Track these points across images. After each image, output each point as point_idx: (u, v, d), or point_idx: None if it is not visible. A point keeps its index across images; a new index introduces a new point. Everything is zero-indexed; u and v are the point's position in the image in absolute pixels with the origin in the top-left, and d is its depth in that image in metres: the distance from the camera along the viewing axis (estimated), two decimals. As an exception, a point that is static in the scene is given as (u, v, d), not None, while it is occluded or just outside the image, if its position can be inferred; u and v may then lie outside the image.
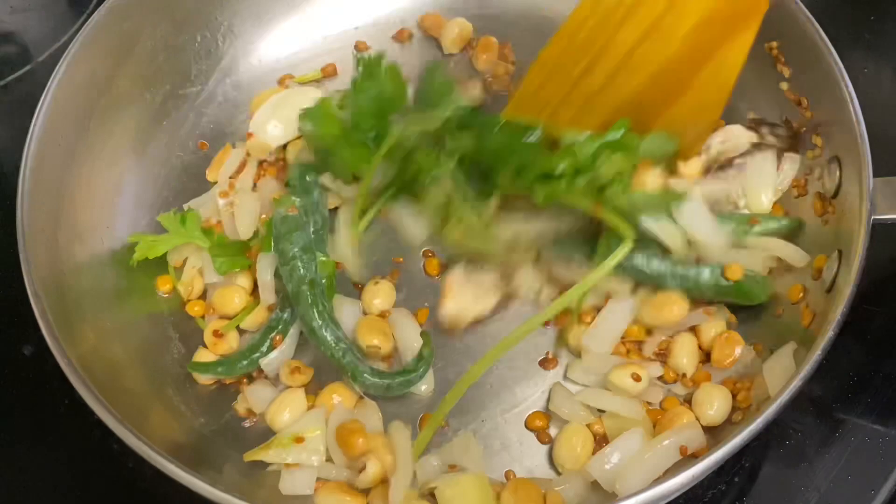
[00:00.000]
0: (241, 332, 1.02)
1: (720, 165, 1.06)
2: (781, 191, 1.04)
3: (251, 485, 0.90)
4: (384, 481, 0.87)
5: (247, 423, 0.96)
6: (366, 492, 0.88)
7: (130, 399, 0.92)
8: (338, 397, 0.95)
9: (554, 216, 0.98)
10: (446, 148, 0.98)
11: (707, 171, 1.07)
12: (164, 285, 1.05)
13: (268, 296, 1.00)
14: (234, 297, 1.02)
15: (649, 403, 0.93)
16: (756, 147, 1.05)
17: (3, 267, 1.10)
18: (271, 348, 0.97)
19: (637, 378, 0.93)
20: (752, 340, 0.96)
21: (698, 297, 0.97)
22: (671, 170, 1.01)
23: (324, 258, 1.00)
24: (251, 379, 0.99)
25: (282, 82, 1.21)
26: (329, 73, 1.22)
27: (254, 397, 0.96)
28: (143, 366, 0.98)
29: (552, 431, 0.94)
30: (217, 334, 0.99)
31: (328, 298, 0.98)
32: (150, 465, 0.80)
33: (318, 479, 0.90)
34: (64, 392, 0.90)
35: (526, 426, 0.95)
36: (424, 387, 0.97)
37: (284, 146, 1.14)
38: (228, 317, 1.02)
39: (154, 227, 1.08)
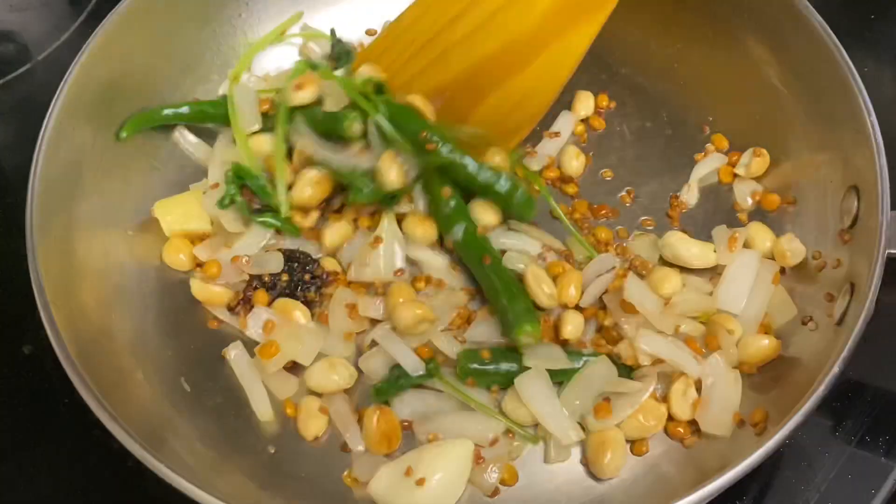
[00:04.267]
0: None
1: None
2: None
3: (251, 488, 0.90)
4: None
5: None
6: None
7: (130, 398, 0.92)
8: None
9: None
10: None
11: None
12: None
13: None
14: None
15: None
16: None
17: (4, 266, 1.10)
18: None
19: None
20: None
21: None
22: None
23: None
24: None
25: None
26: None
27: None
28: (144, 365, 0.98)
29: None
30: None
31: None
32: (150, 464, 0.80)
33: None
34: (64, 392, 0.90)
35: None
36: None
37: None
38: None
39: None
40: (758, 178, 1.09)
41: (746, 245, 1.03)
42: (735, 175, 1.10)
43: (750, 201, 1.08)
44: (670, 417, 0.94)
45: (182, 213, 1.06)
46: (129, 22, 1.07)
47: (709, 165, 1.10)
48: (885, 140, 0.93)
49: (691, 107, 1.16)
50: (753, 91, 1.12)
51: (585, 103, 1.16)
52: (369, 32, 1.23)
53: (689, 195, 1.09)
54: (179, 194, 1.09)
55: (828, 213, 1.01)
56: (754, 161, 1.08)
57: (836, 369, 0.83)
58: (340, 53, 1.19)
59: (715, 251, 1.02)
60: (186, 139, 1.13)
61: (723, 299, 0.98)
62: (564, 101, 1.16)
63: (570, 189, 1.10)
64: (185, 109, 1.12)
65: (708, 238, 1.04)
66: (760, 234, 1.03)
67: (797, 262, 1.01)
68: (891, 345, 1.02)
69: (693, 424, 0.93)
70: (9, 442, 1.01)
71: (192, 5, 1.14)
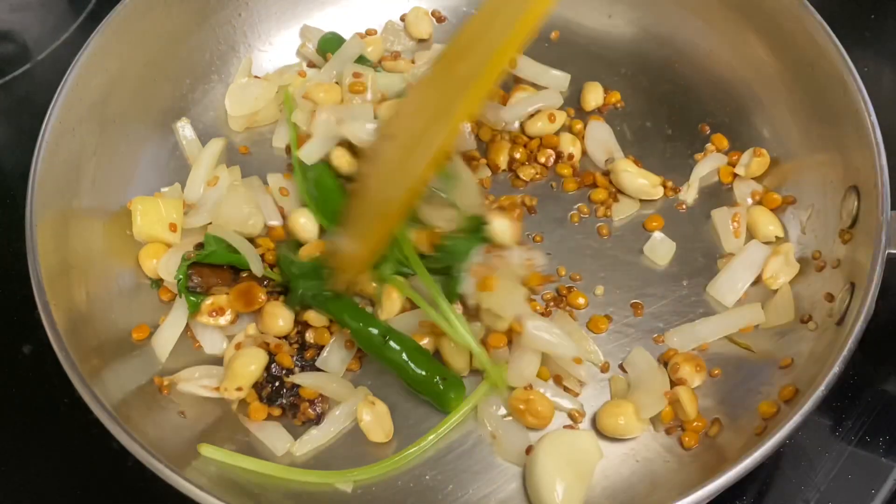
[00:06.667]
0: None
1: None
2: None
3: (247, 487, 0.90)
4: None
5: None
6: None
7: (130, 398, 0.92)
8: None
9: None
10: None
11: None
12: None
13: None
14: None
15: None
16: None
17: (3, 266, 1.11)
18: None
19: None
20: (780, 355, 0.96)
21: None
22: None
23: None
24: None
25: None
26: None
27: None
28: (146, 365, 0.98)
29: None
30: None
31: None
32: (150, 464, 0.80)
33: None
34: (64, 392, 0.90)
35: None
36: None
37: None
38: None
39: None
40: (758, 178, 1.09)
41: (749, 229, 1.04)
42: (735, 175, 1.10)
43: (750, 201, 1.08)
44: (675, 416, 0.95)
45: (155, 218, 1.04)
46: (129, 22, 1.07)
47: (709, 165, 1.10)
48: (885, 140, 0.93)
49: (691, 107, 1.16)
50: (753, 91, 1.12)
51: (595, 94, 1.16)
52: (369, 32, 1.23)
53: (689, 195, 1.09)
54: (154, 196, 1.07)
55: (828, 213, 1.01)
56: (754, 161, 1.08)
57: (836, 369, 0.83)
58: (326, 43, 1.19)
59: (663, 185, 1.08)
60: (184, 132, 1.13)
61: (716, 289, 1.01)
62: (571, 100, 1.17)
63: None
64: None
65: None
66: (762, 218, 1.04)
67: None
68: (891, 345, 1.02)
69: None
70: (9, 442, 1.01)
71: (191, 5, 1.14)
